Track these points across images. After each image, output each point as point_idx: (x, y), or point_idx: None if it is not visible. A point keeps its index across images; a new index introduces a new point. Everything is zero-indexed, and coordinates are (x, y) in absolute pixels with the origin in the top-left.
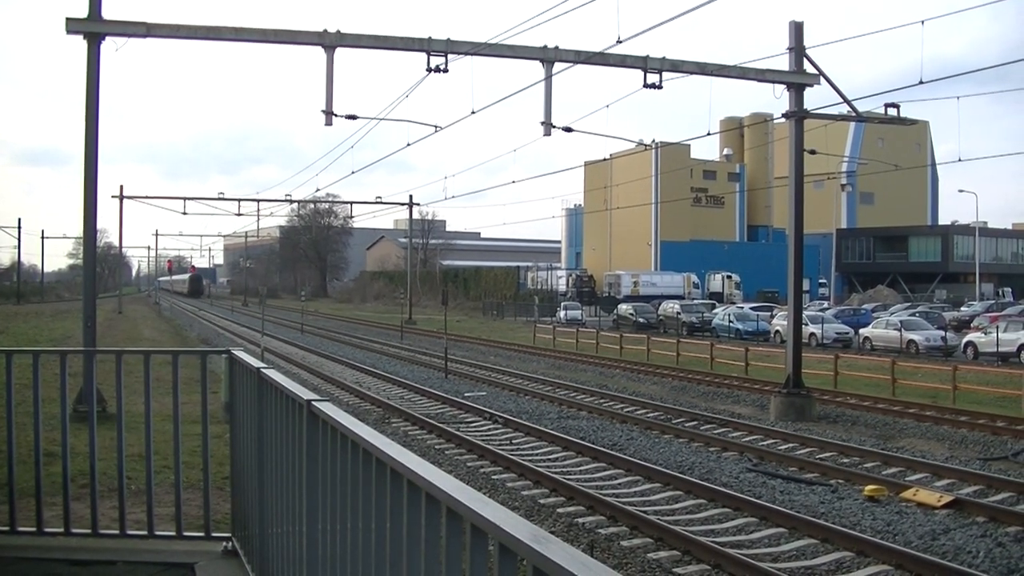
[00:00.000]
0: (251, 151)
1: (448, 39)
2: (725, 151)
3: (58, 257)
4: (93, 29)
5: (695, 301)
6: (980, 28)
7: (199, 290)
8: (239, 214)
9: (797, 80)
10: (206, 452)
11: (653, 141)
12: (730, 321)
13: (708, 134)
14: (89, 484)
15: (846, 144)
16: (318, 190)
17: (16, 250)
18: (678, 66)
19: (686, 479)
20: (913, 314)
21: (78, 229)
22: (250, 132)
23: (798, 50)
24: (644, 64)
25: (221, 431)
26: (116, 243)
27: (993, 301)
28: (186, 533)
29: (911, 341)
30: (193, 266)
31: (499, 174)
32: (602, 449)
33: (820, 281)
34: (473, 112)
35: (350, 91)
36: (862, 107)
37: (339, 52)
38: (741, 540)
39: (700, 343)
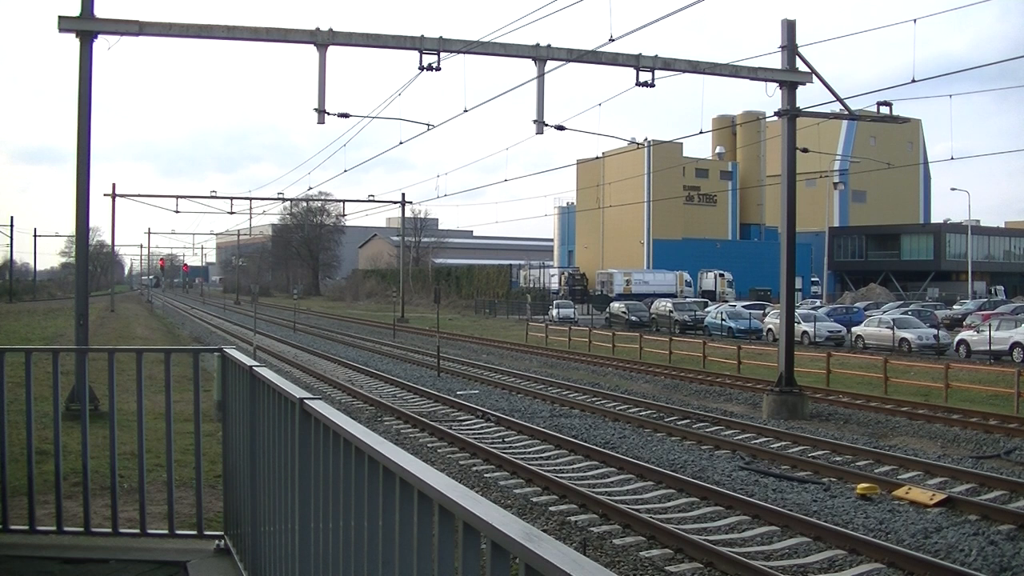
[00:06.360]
0: (249, 149)
1: (440, 37)
2: (717, 149)
3: (50, 255)
4: (85, 27)
5: (687, 299)
6: (985, 26)
7: (158, 285)
8: (231, 212)
9: (789, 78)
10: (198, 450)
11: (645, 139)
12: (722, 319)
13: (700, 132)
14: (81, 482)
15: (838, 142)
16: (310, 188)
17: (8, 248)
18: (670, 64)
19: (678, 477)
20: (905, 312)
21: (71, 227)
22: (248, 130)
23: (790, 48)
24: (636, 62)
25: (213, 429)
26: (108, 241)
27: (985, 299)
28: (178, 531)
29: (903, 339)
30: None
31: (492, 172)
32: (594, 447)
33: (812, 279)
34: (466, 110)
35: (344, 89)
36: (855, 105)
37: (332, 50)
38: (733, 538)
39: (692, 341)
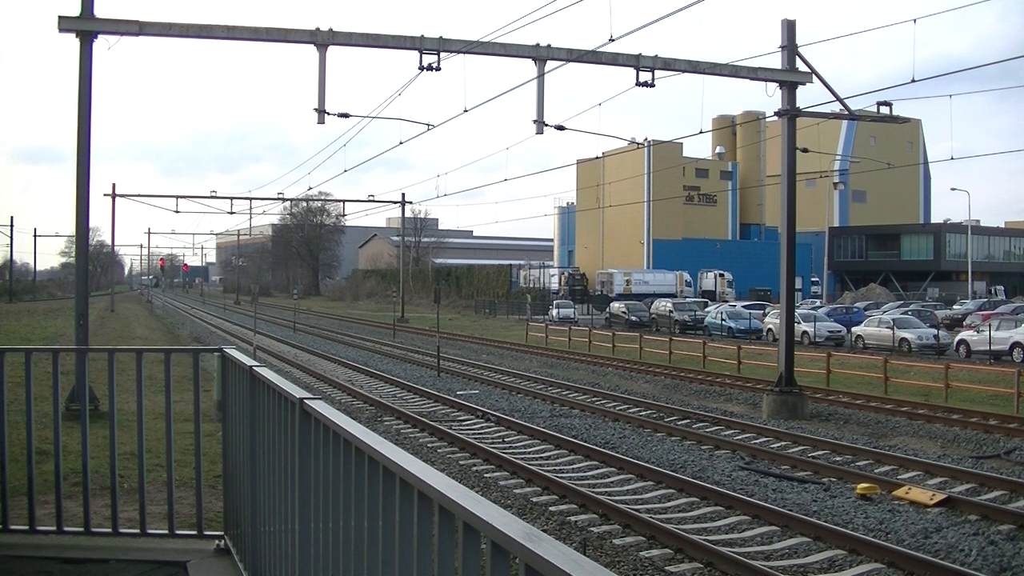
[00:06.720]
0: (249, 149)
1: (440, 37)
2: (717, 149)
3: (50, 255)
4: (85, 27)
5: (687, 299)
6: (985, 26)
7: (157, 285)
8: (231, 212)
9: (789, 78)
10: (198, 450)
11: (645, 139)
12: (722, 319)
13: (700, 132)
14: (81, 482)
15: (838, 142)
16: (310, 188)
17: (8, 248)
18: (670, 64)
19: (678, 477)
20: (905, 312)
21: (71, 227)
22: (248, 130)
23: (790, 48)
24: (636, 62)
25: (213, 429)
26: (108, 241)
27: (985, 299)
28: (178, 531)
29: (903, 339)
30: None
31: (492, 172)
32: (594, 447)
33: (812, 279)
34: (466, 110)
35: (344, 89)
36: (855, 105)
37: (332, 50)
38: (733, 538)
39: (692, 341)
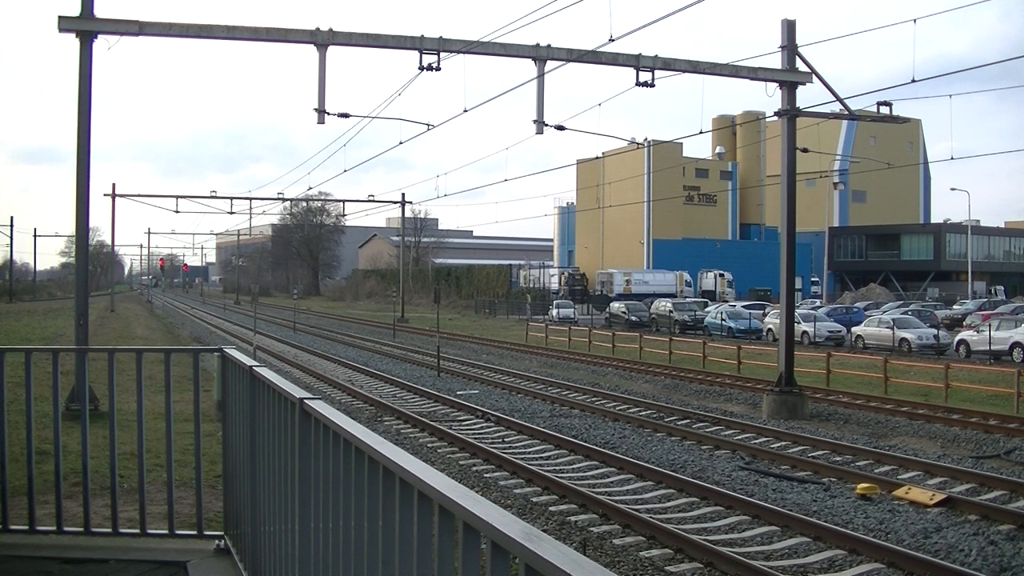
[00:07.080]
0: (249, 149)
1: (440, 37)
2: (717, 149)
3: (50, 255)
4: (85, 27)
5: (687, 299)
6: (985, 26)
7: (156, 284)
8: (231, 212)
9: (789, 78)
10: (198, 450)
11: (645, 139)
12: (722, 319)
13: (700, 132)
14: (81, 482)
15: (838, 142)
16: (310, 188)
17: (8, 248)
18: (670, 64)
19: (678, 477)
20: (905, 312)
21: (71, 227)
22: (248, 130)
23: (790, 48)
24: (636, 62)
25: (213, 429)
26: (108, 241)
27: (985, 299)
28: (178, 531)
29: (903, 339)
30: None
31: (492, 172)
32: (594, 447)
33: (812, 279)
34: (465, 110)
35: (344, 89)
36: (855, 105)
37: (332, 50)
38: (733, 538)
39: (692, 341)
